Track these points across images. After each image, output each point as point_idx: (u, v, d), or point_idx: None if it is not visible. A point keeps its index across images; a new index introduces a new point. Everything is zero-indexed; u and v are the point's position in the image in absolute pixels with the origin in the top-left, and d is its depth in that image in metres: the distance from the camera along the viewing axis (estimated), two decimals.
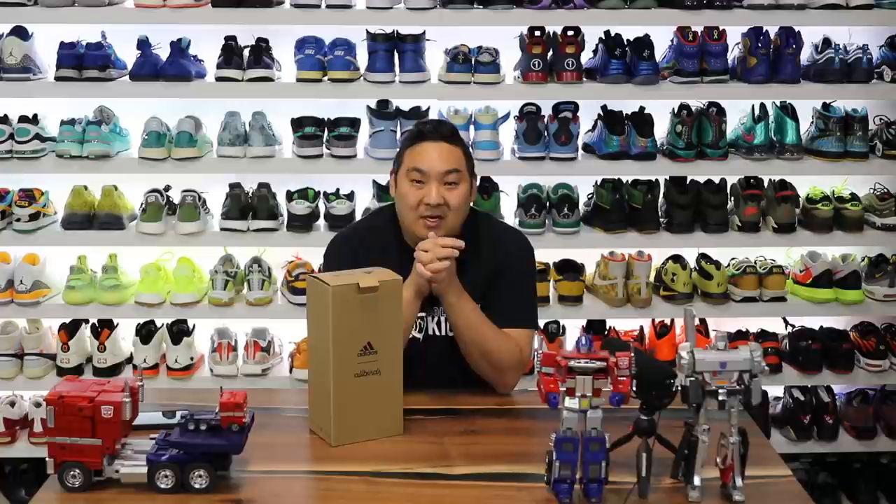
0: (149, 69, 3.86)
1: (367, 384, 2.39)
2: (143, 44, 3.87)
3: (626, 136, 3.91)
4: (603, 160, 3.95)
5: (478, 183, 2.92)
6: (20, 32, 3.87)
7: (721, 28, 3.95)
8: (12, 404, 3.95)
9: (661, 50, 4.02)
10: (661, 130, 4.02)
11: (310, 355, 2.48)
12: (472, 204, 2.85)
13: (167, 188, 3.95)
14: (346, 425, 2.39)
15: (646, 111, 4.00)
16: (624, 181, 4.03)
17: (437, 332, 2.79)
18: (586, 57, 3.99)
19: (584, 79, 3.94)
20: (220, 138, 3.91)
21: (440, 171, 2.69)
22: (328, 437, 2.40)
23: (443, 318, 2.77)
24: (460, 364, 2.73)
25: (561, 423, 2.09)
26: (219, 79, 3.87)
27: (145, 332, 3.95)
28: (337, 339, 2.35)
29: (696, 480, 2.15)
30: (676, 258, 4.03)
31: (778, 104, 4.03)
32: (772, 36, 3.97)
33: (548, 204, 3.99)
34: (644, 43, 3.92)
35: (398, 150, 2.86)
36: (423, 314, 2.77)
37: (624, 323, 4.12)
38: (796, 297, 4.03)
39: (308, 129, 3.87)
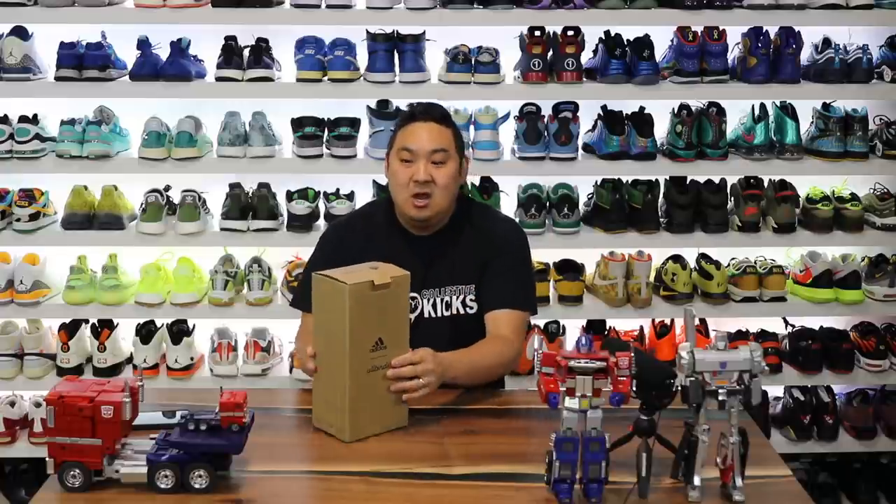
0: (149, 69, 3.86)
1: (377, 379, 2.41)
2: (143, 44, 3.87)
3: (626, 136, 3.91)
4: (603, 160, 3.95)
5: (469, 165, 2.98)
6: (20, 32, 3.87)
7: (721, 28, 3.95)
8: (12, 404, 3.96)
9: (661, 50, 4.02)
10: (661, 130, 4.02)
11: (319, 354, 2.47)
12: (469, 195, 2.89)
13: (167, 188, 3.95)
14: (359, 421, 2.40)
15: (646, 111, 4.00)
16: (624, 181, 4.03)
17: (433, 314, 2.84)
18: (586, 57, 3.99)
19: (584, 79, 3.93)
20: (220, 138, 3.91)
21: (428, 150, 2.78)
22: (342, 433, 2.40)
23: (437, 300, 2.83)
24: (456, 347, 2.72)
25: (561, 423, 2.10)
26: (219, 79, 3.87)
27: (145, 332, 3.95)
28: (353, 337, 2.36)
29: (696, 480, 2.15)
30: (676, 258, 4.03)
31: (778, 104, 4.03)
32: (772, 36, 3.97)
33: (548, 204, 3.99)
34: (644, 43, 3.91)
35: (392, 132, 2.93)
36: (415, 294, 2.79)
37: (624, 323, 4.12)
38: (796, 297, 4.03)
39: (308, 129, 3.87)
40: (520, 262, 2.91)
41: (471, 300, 2.84)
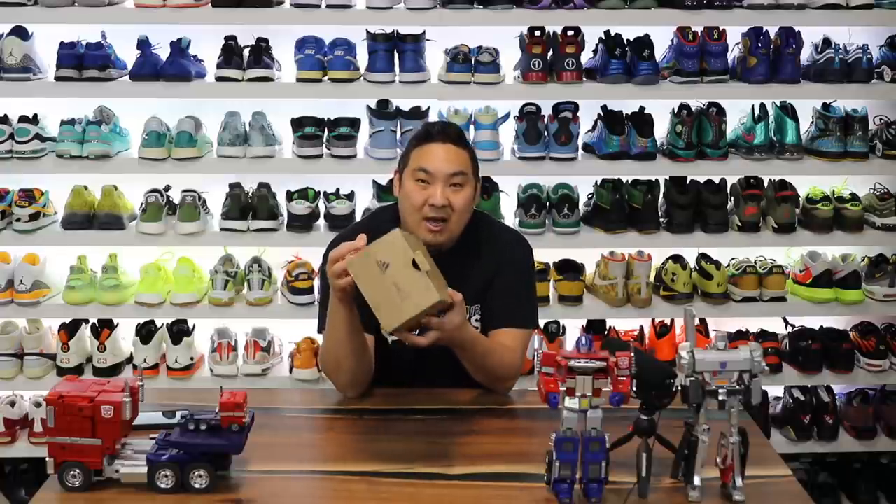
0: (149, 69, 3.86)
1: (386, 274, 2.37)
2: (143, 44, 3.87)
3: (626, 136, 3.91)
4: (603, 160, 3.95)
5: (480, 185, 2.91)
6: (20, 32, 3.87)
7: (721, 28, 3.95)
8: (12, 404, 3.96)
9: (661, 50, 4.02)
10: (661, 130, 4.02)
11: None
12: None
13: (167, 188, 3.95)
14: (387, 312, 2.36)
15: (646, 111, 4.00)
16: (624, 181, 4.03)
17: None
18: (586, 57, 3.99)
19: (584, 79, 3.94)
20: (220, 138, 3.91)
21: (446, 173, 2.68)
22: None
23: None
24: (460, 366, 2.69)
25: (561, 423, 2.10)
26: (219, 79, 3.87)
27: (145, 332, 3.95)
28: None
29: (696, 480, 2.15)
30: (676, 258, 4.03)
31: (778, 104, 4.03)
32: (772, 36, 3.98)
33: (548, 204, 3.99)
34: (644, 43, 3.92)
35: (404, 149, 2.84)
36: None
37: (624, 323, 4.12)
38: (796, 297, 4.03)
39: (308, 129, 3.87)
40: (523, 278, 2.85)
41: (476, 321, 2.78)
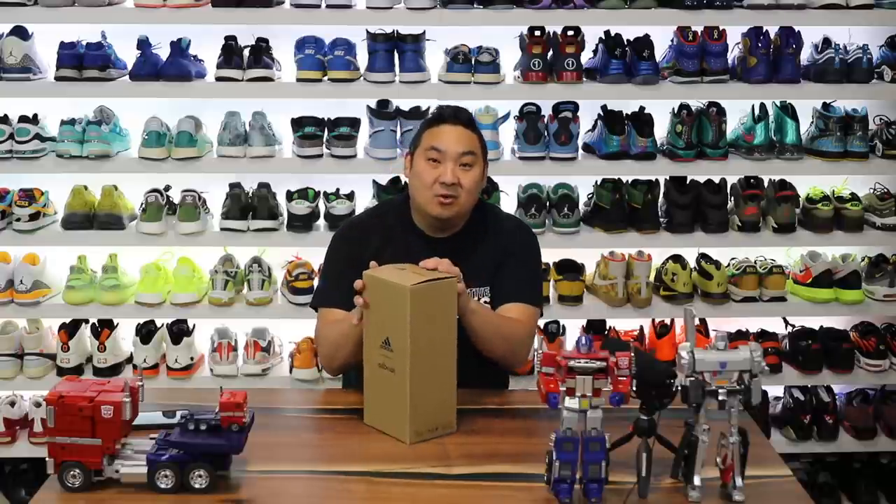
0: (149, 69, 3.86)
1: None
2: (143, 44, 3.87)
3: (626, 136, 3.91)
4: (603, 160, 3.95)
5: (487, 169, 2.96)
6: (20, 32, 3.88)
7: (721, 28, 3.96)
8: (12, 404, 3.95)
9: (661, 50, 4.02)
10: (661, 130, 4.03)
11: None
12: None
13: (167, 188, 3.95)
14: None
15: (646, 111, 4.00)
16: (624, 181, 4.03)
17: None
18: (586, 57, 4.00)
19: (584, 79, 3.94)
20: (220, 138, 3.91)
21: (457, 152, 2.77)
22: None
23: None
24: (472, 348, 2.71)
25: (561, 423, 2.10)
26: (219, 79, 3.87)
27: (145, 332, 3.95)
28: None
29: (696, 480, 2.15)
30: (676, 258, 4.03)
31: (778, 104, 4.03)
32: (772, 36, 3.98)
33: (548, 204, 3.99)
34: (644, 43, 3.92)
35: (416, 132, 2.92)
36: None
37: (624, 323, 4.12)
38: (796, 297, 4.03)
39: (308, 129, 3.87)
40: (530, 261, 2.93)
41: (485, 302, 2.83)
